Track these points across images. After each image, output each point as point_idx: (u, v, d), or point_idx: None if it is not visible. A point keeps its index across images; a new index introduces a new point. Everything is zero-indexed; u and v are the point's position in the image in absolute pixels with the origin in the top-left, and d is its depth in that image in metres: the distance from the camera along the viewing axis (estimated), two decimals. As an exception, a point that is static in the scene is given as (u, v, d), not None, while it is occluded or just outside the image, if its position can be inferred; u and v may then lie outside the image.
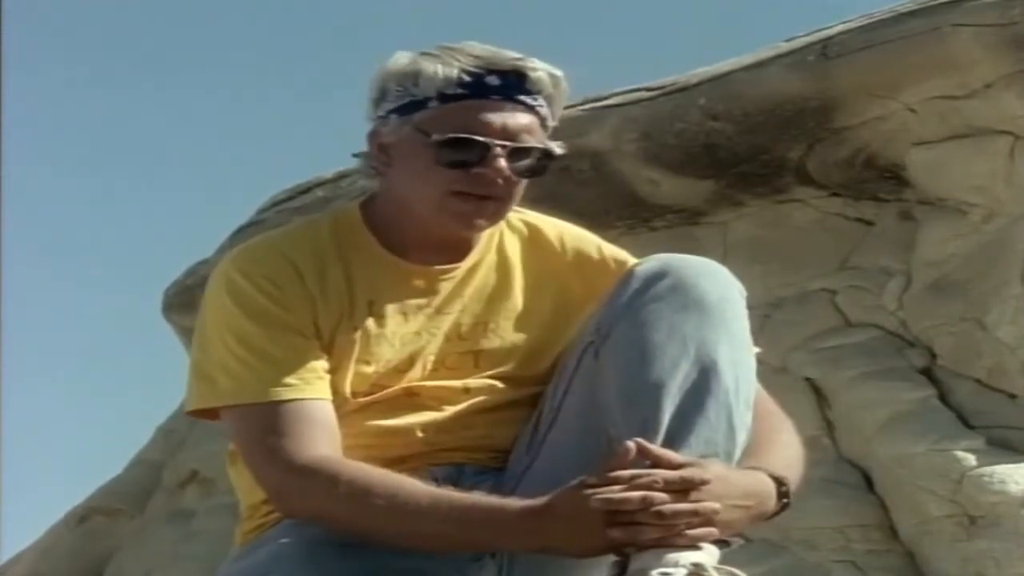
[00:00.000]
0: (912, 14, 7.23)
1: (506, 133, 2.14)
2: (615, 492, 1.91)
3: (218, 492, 8.88)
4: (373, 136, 2.21)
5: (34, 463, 17.95)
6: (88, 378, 22.54)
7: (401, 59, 2.18)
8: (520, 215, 2.32)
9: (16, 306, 18.21)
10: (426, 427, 2.18)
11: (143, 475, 10.04)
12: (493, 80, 2.14)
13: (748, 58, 7.76)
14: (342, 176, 9.23)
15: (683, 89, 7.82)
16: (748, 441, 2.08)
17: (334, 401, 2.14)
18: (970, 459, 6.50)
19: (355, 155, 2.26)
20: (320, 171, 9.60)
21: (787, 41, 7.73)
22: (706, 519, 1.93)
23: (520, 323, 2.25)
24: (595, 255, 2.32)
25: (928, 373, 7.13)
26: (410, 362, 2.19)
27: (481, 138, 2.12)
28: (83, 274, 24.06)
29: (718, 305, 2.08)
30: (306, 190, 9.46)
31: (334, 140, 20.87)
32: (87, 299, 23.28)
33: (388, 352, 2.18)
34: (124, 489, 10.09)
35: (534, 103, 2.16)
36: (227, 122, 24.47)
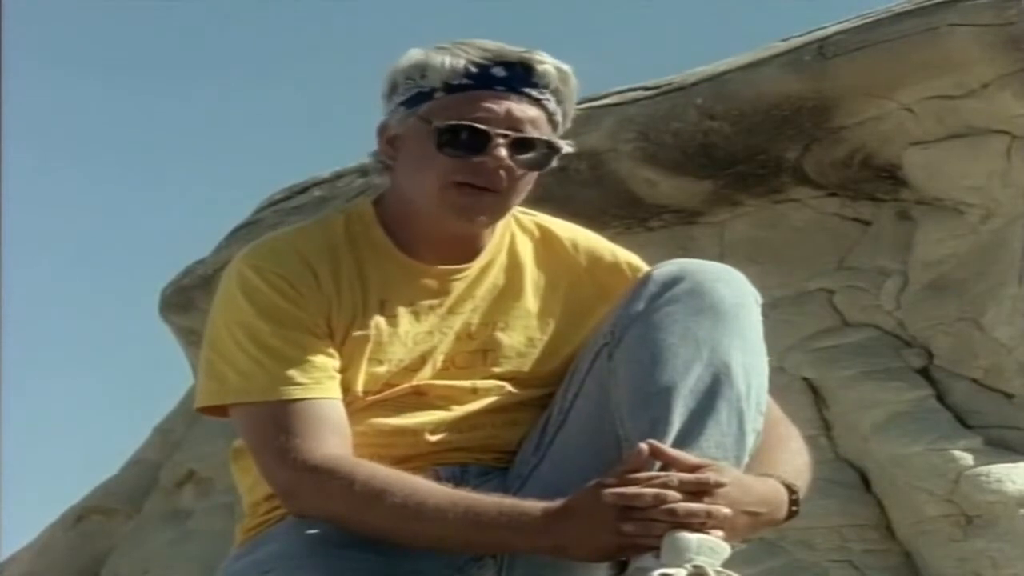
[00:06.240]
0: (909, 14, 7.22)
1: (509, 123, 2.13)
2: (629, 489, 1.92)
3: (215, 492, 8.88)
4: (382, 130, 2.22)
5: (32, 463, 17.93)
6: (86, 378, 22.51)
7: (412, 54, 2.18)
8: (532, 217, 2.32)
9: (16, 306, 18.19)
10: (434, 428, 2.18)
11: (140, 475, 10.03)
12: (499, 71, 2.14)
13: (745, 58, 7.76)
14: (339, 176, 9.23)
15: (680, 89, 7.81)
16: (756, 446, 2.08)
17: (345, 399, 2.13)
18: (967, 459, 6.50)
19: (370, 154, 2.26)
20: (317, 171, 9.60)
21: (784, 41, 7.72)
22: (717, 523, 1.93)
23: (530, 323, 2.24)
24: (608, 258, 2.31)
25: (925, 373, 7.13)
26: (421, 361, 2.19)
27: (482, 126, 2.12)
28: (81, 274, 24.05)
29: (733, 311, 2.08)
30: (303, 190, 9.46)
31: (331, 140, 20.86)
32: (86, 299, 23.27)
33: (400, 352, 2.18)
34: (121, 489, 10.08)
35: (540, 96, 2.16)
36: (225, 122, 24.45)
